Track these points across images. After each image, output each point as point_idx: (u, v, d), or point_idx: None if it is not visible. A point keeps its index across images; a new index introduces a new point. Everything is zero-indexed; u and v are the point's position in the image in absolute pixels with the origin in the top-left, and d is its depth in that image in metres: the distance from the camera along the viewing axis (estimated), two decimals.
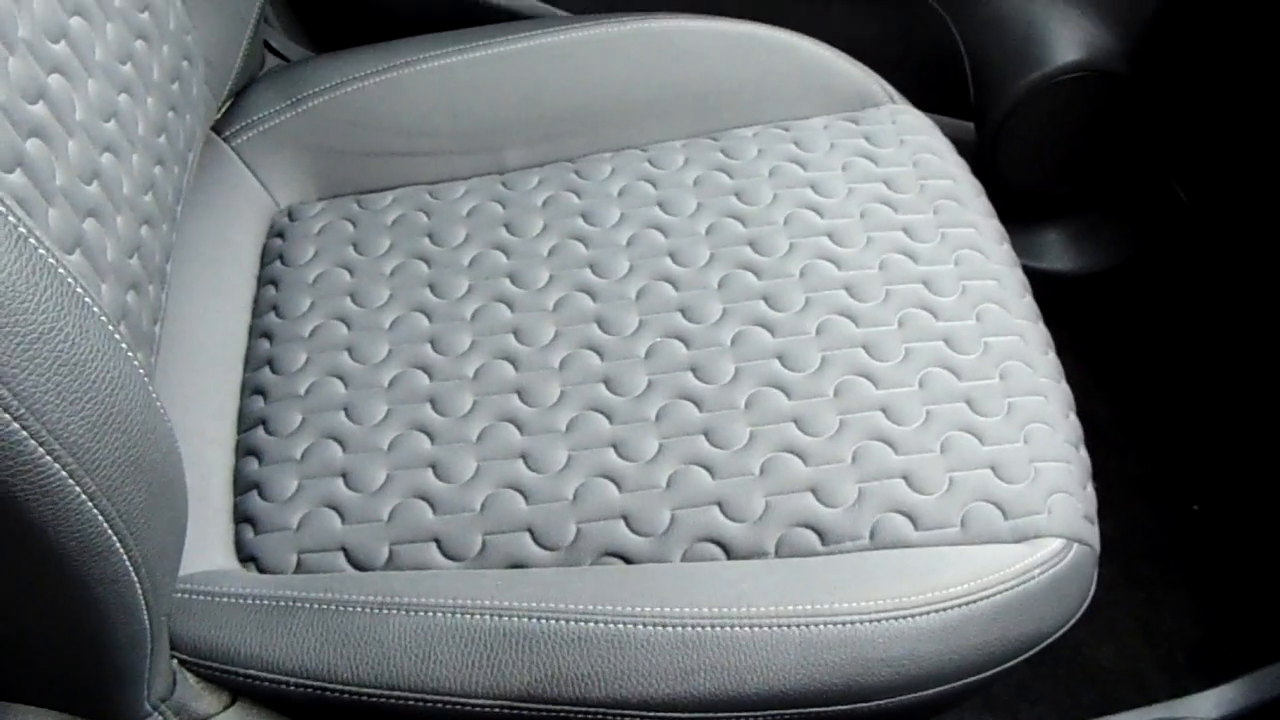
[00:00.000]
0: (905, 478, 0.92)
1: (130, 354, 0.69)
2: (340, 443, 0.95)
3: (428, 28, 1.23)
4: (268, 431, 0.97)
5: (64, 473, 0.62)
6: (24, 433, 0.59)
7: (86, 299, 0.67)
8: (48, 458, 0.61)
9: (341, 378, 0.99)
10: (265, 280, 1.07)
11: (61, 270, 0.65)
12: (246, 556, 0.92)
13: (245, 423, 0.99)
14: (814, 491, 0.92)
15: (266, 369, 1.00)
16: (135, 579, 0.70)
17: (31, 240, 0.63)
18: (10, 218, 0.62)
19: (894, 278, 1.03)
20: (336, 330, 1.01)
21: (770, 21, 1.21)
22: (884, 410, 0.95)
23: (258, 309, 1.05)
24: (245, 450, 0.97)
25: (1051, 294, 1.09)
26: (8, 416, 0.58)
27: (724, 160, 1.12)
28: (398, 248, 1.07)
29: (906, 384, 0.97)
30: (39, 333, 0.61)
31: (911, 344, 0.98)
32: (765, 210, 1.07)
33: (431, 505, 0.92)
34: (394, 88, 1.15)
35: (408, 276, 1.05)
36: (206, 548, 0.91)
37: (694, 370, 0.97)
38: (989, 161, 1.42)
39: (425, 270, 1.05)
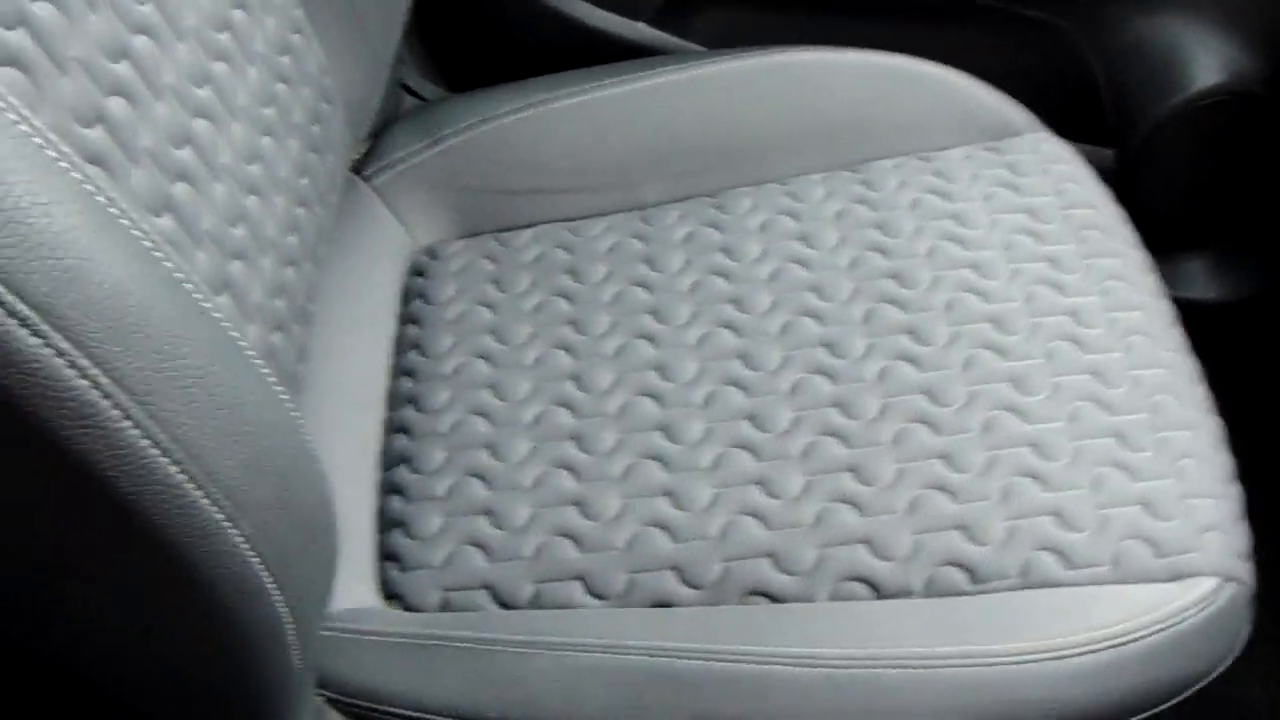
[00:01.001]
0: (1055, 515, 0.91)
1: (282, 395, 0.70)
2: (484, 480, 0.95)
3: (562, 64, 1.23)
4: (411, 469, 0.97)
5: (220, 516, 0.62)
6: (183, 476, 0.59)
7: (239, 341, 0.67)
8: (205, 501, 0.61)
9: (484, 415, 0.99)
10: (407, 318, 1.08)
11: (213, 312, 0.65)
12: (391, 594, 0.92)
13: (389, 460, 0.99)
14: (962, 529, 0.90)
15: (409, 407, 1.01)
16: (286, 619, 0.71)
17: (185, 283, 0.64)
18: (166, 263, 0.62)
19: (1040, 310, 1.01)
20: (479, 368, 1.02)
21: (906, 51, 1.20)
22: (1033, 446, 0.94)
23: (400, 347, 1.06)
24: (389, 488, 0.97)
25: (1194, 323, 1.07)
26: (165, 460, 0.58)
27: (865, 193, 1.11)
28: (539, 285, 1.07)
29: (1055, 419, 0.95)
30: (195, 376, 0.61)
31: (1059, 378, 0.97)
32: (908, 243, 1.06)
33: (576, 543, 0.91)
34: (531, 125, 1.15)
35: (549, 314, 1.05)
36: (352, 585, 0.92)
37: (837, 406, 0.96)
38: (1129, 189, 1.39)
39: (566, 307, 1.05)
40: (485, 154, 1.14)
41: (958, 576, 0.89)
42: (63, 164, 0.57)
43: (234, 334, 0.67)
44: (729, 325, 1.02)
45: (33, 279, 0.52)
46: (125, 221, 0.60)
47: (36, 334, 0.53)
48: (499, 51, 1.44)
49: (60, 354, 0.53)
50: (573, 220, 1.13)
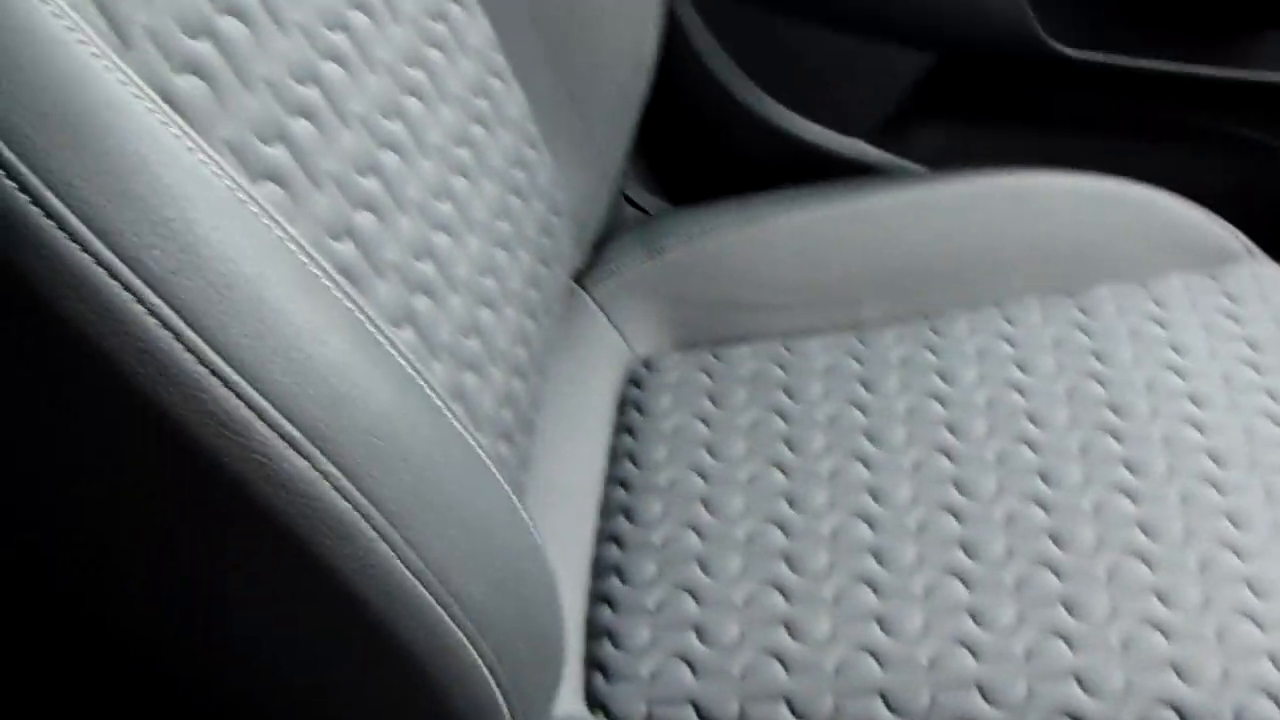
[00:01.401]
0: (1273, 658, 0.89)
1: (528, 521, 0.71)
2: (694, 595, 0.96)
3: (780, 178, 1.25)
4: (622, 580, 0.98)
5: (463, 635, 0.63)
6: (431, 597, 0.61)
7: (474, 446, 0.69)
8: (450, 621, 0.62)
9: (696, 530, 0.99)
10: (622, 428, 1.09)
11: (449, 416, 0.67)
12: (596, 703, 0.93)
13: (599, 569, 1.00)
14: (1176, 669, 0.89)
15: (622, 517, 1.02)
16: None
17: (425, 387, 0.65)
18: (405, 365, 0.64)
19: (1261, 445, 0.99)
20: (692, 482, 1.03)
21: (1121, 171, 1.19)
22: (1249, 585, 0.92)
23: (614, 456, 1.07)
24: (599, 597, 0.98)
25: None
26: (415, 581, 0.60)
27: (1082, 319, 1.11)
28: (754, 401, 1.08)
29: (1275, 556, 0.93)
30: (450, 502, 0.63)
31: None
32: (1125, 372, 1.05)
33: (784, 664, 0.91)
34: (752, 242, 1.16)
35: (764, 431, 1.05)
36: (560, 691, 0.93)
37: (1053, 537, 0.95)
38: None
39: (781, 425, 1.05)
40: (705, 268, 1.16)
41: (1169, 718, 0.87)
42: (326, 282, 0.59)
43: (472, 443, 0.68)
44: (944, 450, 1.02)
45: (306, 405, 0.55)
46: (386, 344, 0.62)
47: (304, 455, 0.55)
48: (719, 165, 1.47)
49: (325, 476, 0.55)
50: (789, 337, 1.13)
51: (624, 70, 1.07)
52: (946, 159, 1.40)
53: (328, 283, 0.58)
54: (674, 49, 1.17)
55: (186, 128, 0.55)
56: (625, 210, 1.40)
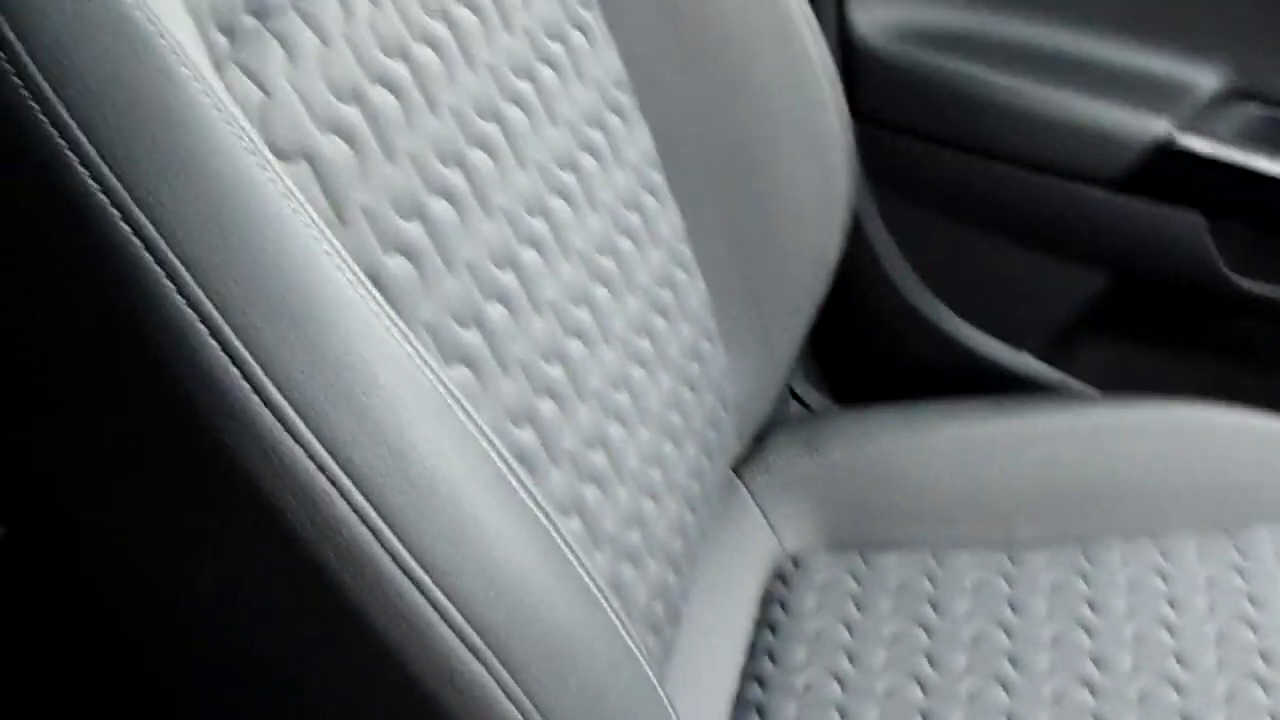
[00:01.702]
0: None
1: (668, 708, 0.72)
2: None
3: (946, 386, 1.26)
4: None
5: None
6: None
7: (632, 647, 0.70)
8: None
9: None
10: (764, 624, 1.09)
11: (613, 616, 0.68)
12: None
13: None
14: None
15: (755, 715, 1.02)
16: None
17: (592, 588, 0.67)
18: (578, 568, 0.66)
19: None
20: (829, 687, 1.02)
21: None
22: None
23: (753, 651, 1.07)
24: None
25: None
26: None
27: (1238, 560, 1.09)
28: (899, 612, 1.08)
29: None
30: (604, 703, 0.64)
31: None
32: (1279, 618, 1.04)
33: None
34: (912, 450, 1.17)
35: (906, 643, 1.05)
36: None
37: None
38: None
39: (924, 639, 1.05)
40: (863, 471, 1.17)
41: None
42: (514, 483, 0.60)
43: (641, 657, 0.69)
44: (1087, 683, 1.01)
45: (489, 611, 0.56)
46: (570, 557, 0.63)
47: (481, 660, 0.56)
48: (886, 366, 1.48)
49: (501, 685, 0.57)
50: (940, 549, 1.13)
51: (806, 271, 1.09)
52: (1113, 380, 1.40)
53: (522, 493, 0.59)
54: (853, 249, 1.19)
55: (399, 321, 0.57)
56: (789, 403, 1.41)
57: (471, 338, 0.71)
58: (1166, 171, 1.27)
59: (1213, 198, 1.28)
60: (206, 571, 0.57)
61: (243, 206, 0.53)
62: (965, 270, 1.41)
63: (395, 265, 0.67)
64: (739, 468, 1.19)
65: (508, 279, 0.76)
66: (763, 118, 1.04)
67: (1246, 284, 1.31)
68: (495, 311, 0.74)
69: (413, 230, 0.70)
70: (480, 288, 0.74)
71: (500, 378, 0.73)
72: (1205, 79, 1.29)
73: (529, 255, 0.79)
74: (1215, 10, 1.28)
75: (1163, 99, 1.28)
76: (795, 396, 1.44)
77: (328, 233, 0.55)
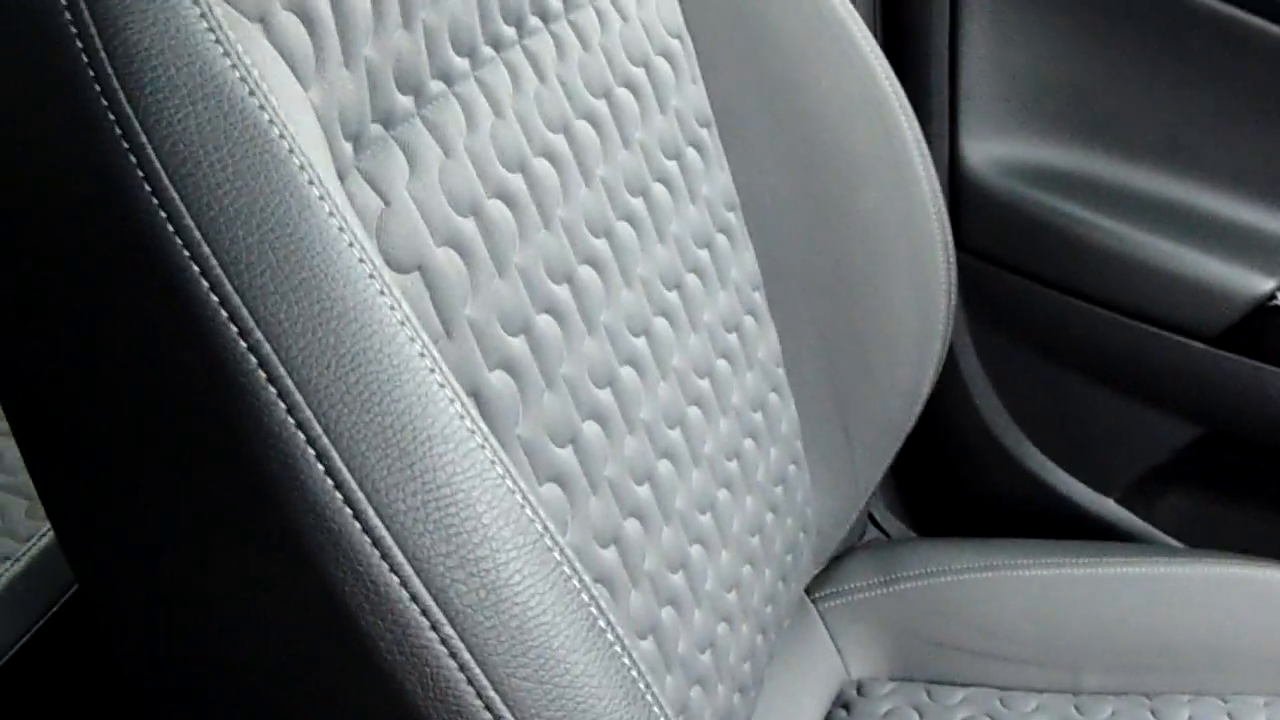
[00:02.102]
0: None
1: None
2: None
3: (1026, 525, 1.25)
4: None
5: None
6: None
7: None
8: None
9: None
10: None
11: None
12: None
13: None
14: None
15: None
16: None
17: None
18: (651, 702, 0.66)
19: None
20: None
21: None
22: None
23: None
24: None
25: None
26: None
27: None
28: None
29: None
30: None
31: None
32: None
33: None
34: (987, 587, 1.17)
35: None
36: None
37: None
38: None
39: None
40: (936, 605, 1.17)
41: None
42: (602, 624, 0.60)
43: None
44: None
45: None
46: (644, 691, 0.63)
47: None
48: (966, 499, 1.48)
49: None
50: (1006, 690, 1.13)
51: (897, 402, 1.09)
52: (1196, 534, 1.39)
53: (610, 636, 0.60)
54: (945, 380, 1.20)
55: (500, 451, 0.58)
56: (867, 528, 1.41)
57: (566, 456, 0.72)
58: (1267, 331, 1.27)
59: None
60: (298, 689, 0.58)
61: (360, 333, 0.54)
62: (1055, 410, 1.41)
63: (498, 381, 0.69)
64: (811, 589, 1.19)
65: (605, 397, 0.77)
66: (868, 245, 1.05)
67: None
68: (591, 430, 0.75)
69: (517, 346, 0.71)
70: (578, 406, 0.75)
71: (590, 497, 0.74)
72: None
73: (628, 374, 0.80)
74: None
75: (1269, 258, 1.28)
76: (874, 522, 1.44)
77: (439, 359, 0.56)
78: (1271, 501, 1.38)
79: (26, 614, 1.10)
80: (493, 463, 0.56)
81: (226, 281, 0.52)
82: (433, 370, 0.55)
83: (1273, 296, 1.26)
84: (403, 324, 0.55)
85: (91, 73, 0.52)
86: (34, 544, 1.12)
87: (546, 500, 0.70)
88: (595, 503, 0.74)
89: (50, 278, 0.56)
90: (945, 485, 1.50)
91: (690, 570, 0.83)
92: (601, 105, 0.84)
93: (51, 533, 1.02)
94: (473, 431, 0.56)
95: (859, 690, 1.14)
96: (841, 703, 1.13)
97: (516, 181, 0.74)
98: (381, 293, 0.55)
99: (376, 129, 0.66)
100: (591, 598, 0.59)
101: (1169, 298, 1.30)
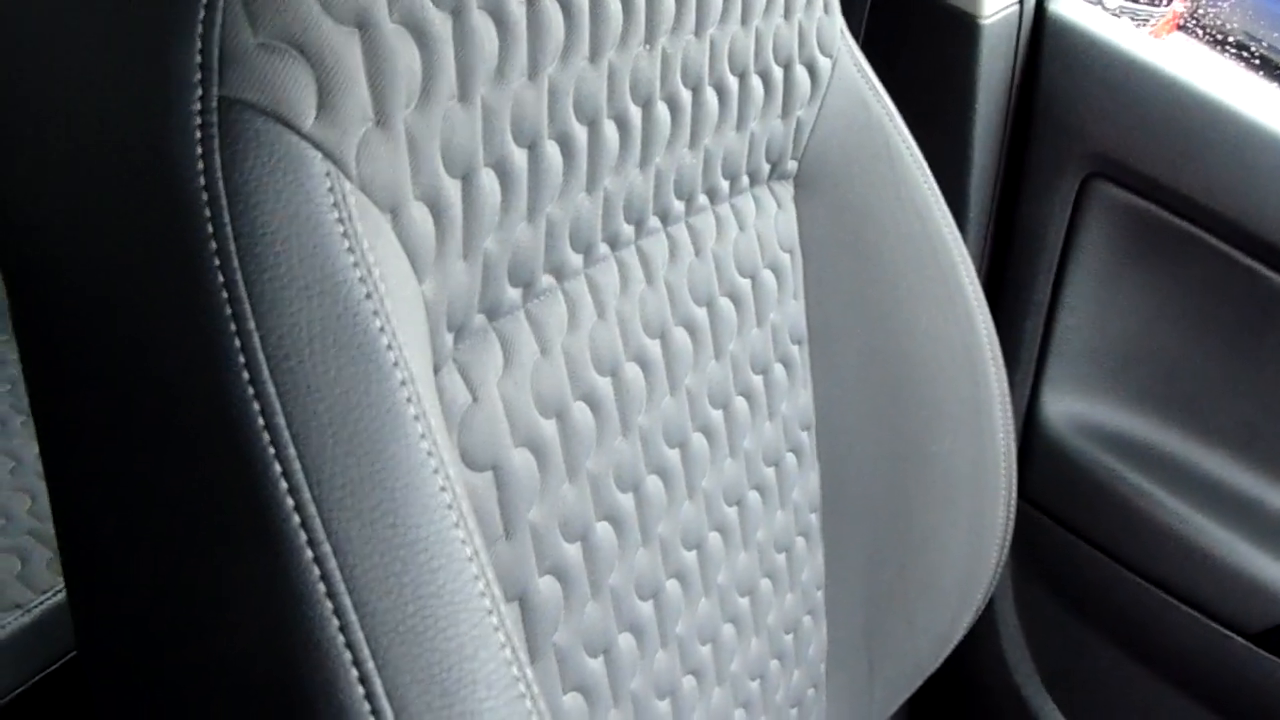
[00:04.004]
0: None
1: None
2: None
3: None
4: None
5: None
6: None
7: None
8: None
9: None
10: None
11: None
12: None
13: None
14: None
15: None
16: None
17: None
18: None
19: None
20: None
21: None
22: None
23: None
24: None
25: None
26: None
27: None
28: None
29: None
30: None
31: None
32: None
33: None
34: None
35: None
36: None
37: None
38: None
39: None
40: None
41: None
42: None
43: None
44: None
45: None
46: None
47: None
48: None
49: None
50: None
51: (928, 646, 1.08)
52: None
53: None
54: (977, 626, 1.18)
55: (524, 657, 0.57)
56: None
57: (596, 667, 0.72)
58: None
59: None
60: None
61: (428, 567, 0.54)
62: (1085, 676, 1.39)
63: (546, 587, 0.68)
64: None
65: (646, 610, 0.77)
66: (932, 488, 1.04)
67: None
68: (625, 642, 0.74)
69: (572, 553, 0.71)
70: (619, 617, 0.74)
71: (610, 709, 0.73)
72: None
73: (672, 587, 0.80)
74: None
75: None
76: None
77: (499, 600, 0.56)
78: None
79: (23, 667, 1.09)
80: (530, 714, 0.55)
81: (306, 488, 0.51)
82: (491, 612, 0.55)
83: None
84: (471, 560, 0.55)
85: (214, 246, 0.51)
86: (48, 598, 1.12)
87: (569, 709, 0.69)
88: (615, 715, 0.73)
89: (135, 444, 0.56)
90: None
91: (697, 680, 0.82)
92: (702, 314, 0.84)
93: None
94: (518, 679, 0.55)
95: None
96: None
97: (605, 386, 0.74)
98: (457, 525, 0.55)
99: (480, 319, 0.66)
100: None
101: (1217, 587, 1.28)
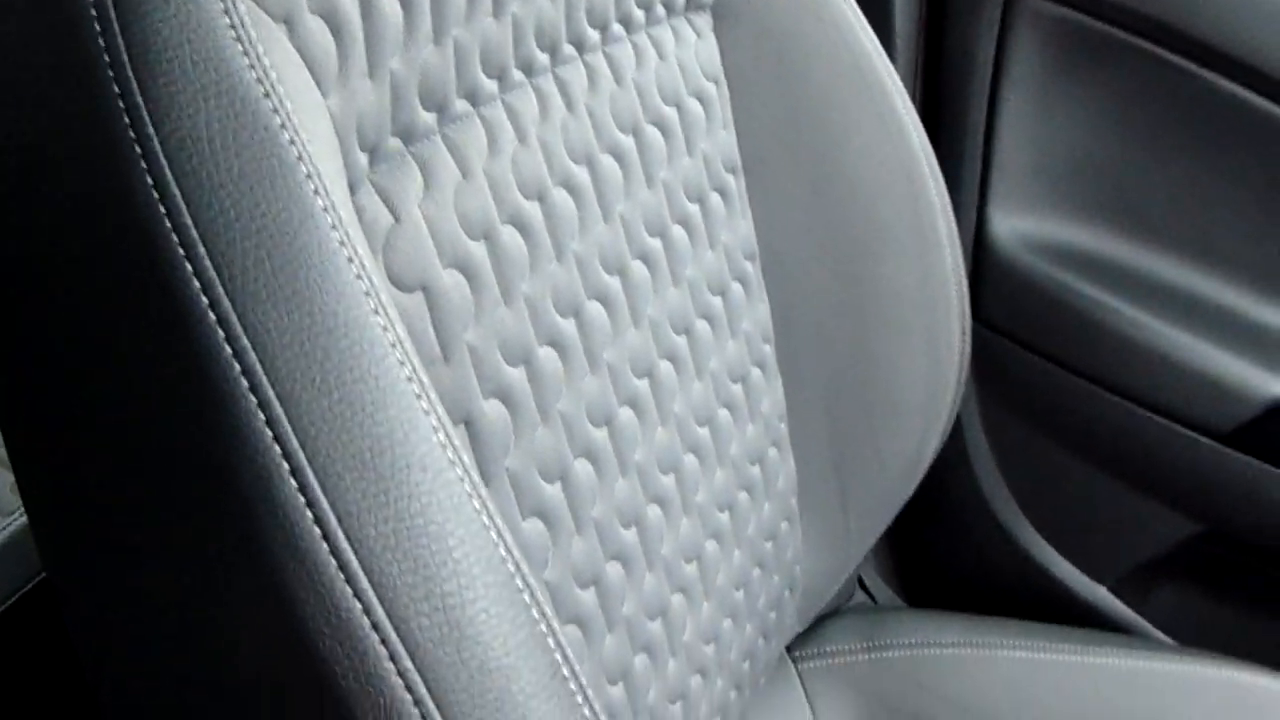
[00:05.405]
0: None
1: None
2: None
3: (1015, 605, 1.24)
4: None
5: None
6: None
7: None
8: None
9: None
10: None
11: None
12: None
13: None
14: None
15: None
16: None
17: None
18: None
19: None
20: None
21: None
22: None
23: None
24: None
25: None
26: None
27: None
28: None
29: None
30: None
31: None
32: None
33: None
34: (970, 664, 1.15)
35: None
36: None
37: None
38: None
39: None
40: (917, 677, 1.15)
41: None
42: (566, 673, 0.59)
43: None
44: None
45: None
46: None
47: None
48: (959, 574, 1.46)
49: None
50: None
51: (897, 472, 1.08)
52: (1186, 630, 1.37)
53: (573, 686, 0.59)
54: (949, 451, 1.18)
55: (480, 486, 0.56)
56: (855, 592, 1.40)
57: (553, 493, 0.71)
58: (1277, 432, 1.26)
59: None
60: (250, 708, 0.57)
61: (349, 352, 0.53)
62: (1056, 492, 1.39)
63: (491, 410, 0.67)
64: (793, 647, 1.17)
65: (600, 437, 0.76)
66: (884, 310, 1.04)
67: None
68: (582, 469, 0.74)
69: (515, 376, 0.70)
70: (572, 443, 0.73)
71: (574, 536, 0.73)
72: None
73: (626, 415, 0.79)
74: None
75: None
76: (862, 586, 1.42)
77: (428, 385, 0.55)
78: (1265, 605, 1.36)
79: None
80: (470, 496, 0.55)
81: (219, 284, 0.51)
82: (420, 396, 0.54)
83: None
84: (394, 345, 0.54)
85: (107, 59, 0.51)
86: (12, 520, 1.11)
87: (528, 535, 0.69)
88: (579, 542, 0.73)
89: (45, 256, 0.55)
90: (938, 556, 1.48)
91: (669, 619, 0.82)
92: (629, 141, 0.83)
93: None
94: (454, 463, 0.55)
95: None
96: None
97: (533, 210, 0.73)
98: (376, 312, 0.54)
99: (395, 143, 0.65)
100: (558, 644, 0.58)
101: (1182, 391, 1.28)
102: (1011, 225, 1.35)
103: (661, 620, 0.81)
